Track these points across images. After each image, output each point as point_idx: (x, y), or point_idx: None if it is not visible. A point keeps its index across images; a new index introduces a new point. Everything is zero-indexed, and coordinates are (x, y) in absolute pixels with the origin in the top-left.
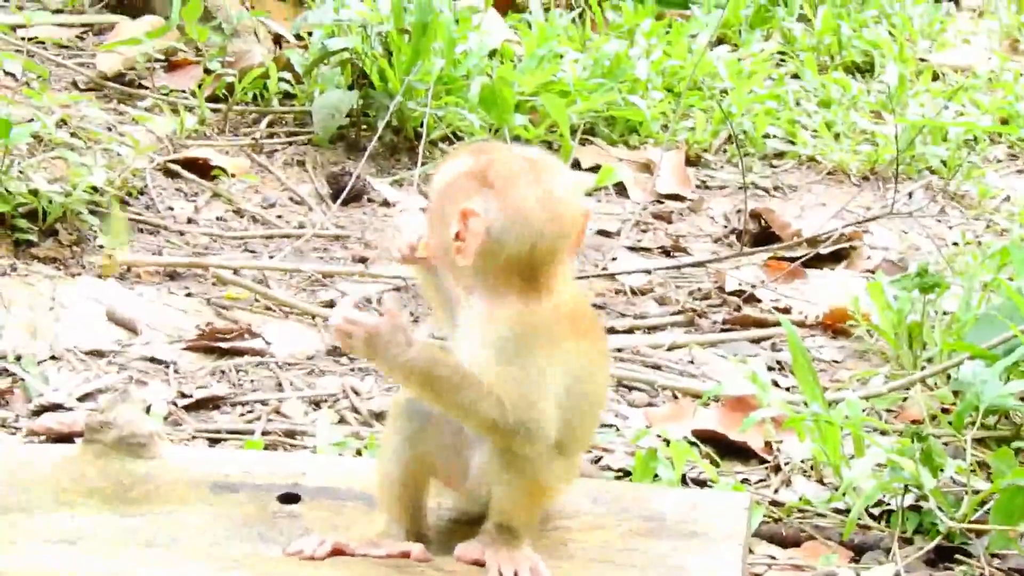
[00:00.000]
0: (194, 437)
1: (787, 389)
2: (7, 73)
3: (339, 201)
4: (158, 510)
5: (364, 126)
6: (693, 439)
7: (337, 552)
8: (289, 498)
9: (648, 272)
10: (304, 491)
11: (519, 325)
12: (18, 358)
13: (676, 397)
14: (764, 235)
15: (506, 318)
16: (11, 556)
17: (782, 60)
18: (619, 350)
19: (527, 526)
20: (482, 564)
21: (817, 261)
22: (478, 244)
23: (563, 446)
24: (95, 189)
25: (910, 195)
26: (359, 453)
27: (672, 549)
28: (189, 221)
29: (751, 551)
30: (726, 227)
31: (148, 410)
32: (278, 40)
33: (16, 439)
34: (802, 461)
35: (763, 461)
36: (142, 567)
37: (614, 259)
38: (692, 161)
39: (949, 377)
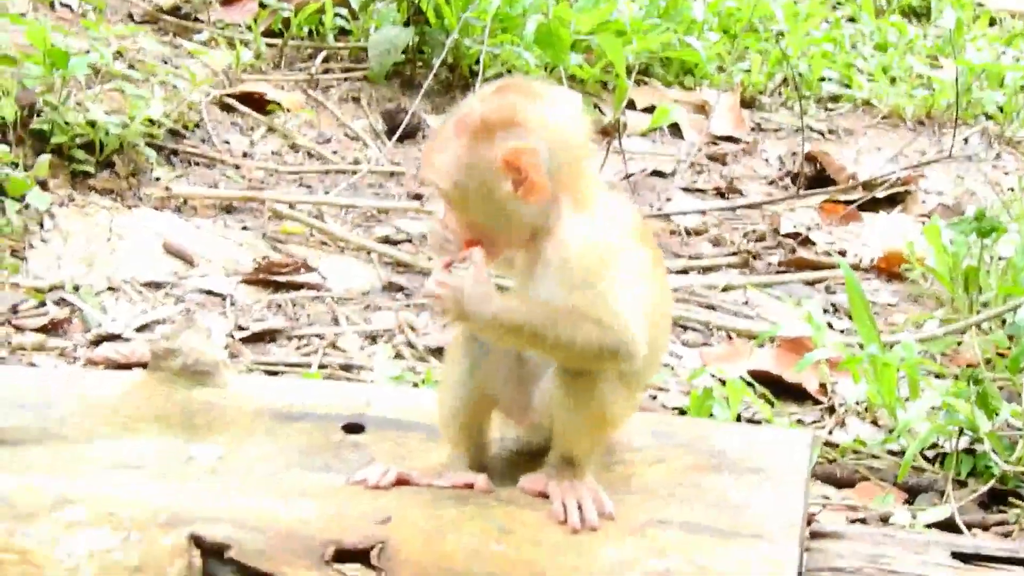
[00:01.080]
0: (251, 370)
1: (841, 332)
2: (64, 4)
3: (394, 138)
4: (222, 438)
5: (419, 63)
6: (748, 379)
7: (401, 482)
8: (353, 428)
9: (703, 213)
10: (368, 421)
11: (587, 244)
12: (76, 288)
13: (731, 337)
14: (819, 178)
15: (572, 241)
16: (77, 482)
17: (838, 3)
18: (674, 290)
19: (589, 458)
20: (546, 496)
21: (872, 205)
22: (541, 174)
23: (633, 376)
24: (152, 121)
25: (966, 140)
26: (416, 386)
27: (734, 485)
28: (245, 155)
29: None
30: (781, 169)
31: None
32: None
33: (74, 368)
34: (857, 403)
35: (817, 402)
36: (206, 495)
37: (668, 200)
38: (747, 103)
39: (1004, 321)
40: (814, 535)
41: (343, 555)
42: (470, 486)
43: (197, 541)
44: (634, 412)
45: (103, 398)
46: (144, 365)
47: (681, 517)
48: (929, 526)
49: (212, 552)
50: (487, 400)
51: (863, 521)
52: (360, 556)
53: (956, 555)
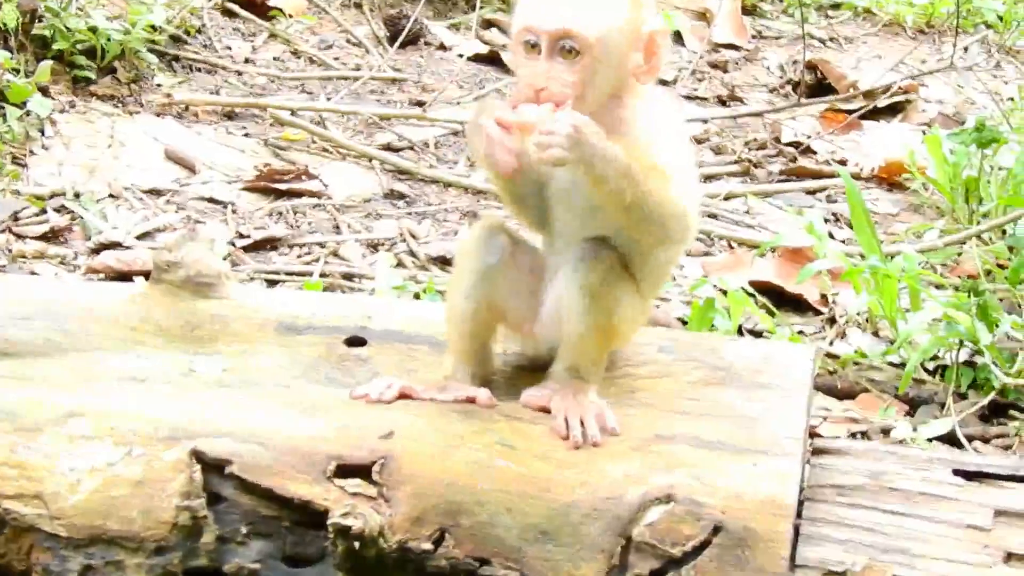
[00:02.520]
0: (252, 278)
1: (842, 242)
2: None
3: (396, 44)
4: (226, 350)
5: None
6: (750, 290)
7: (404, 396)
8: (356, 341)
9: (704, 121)
10: (371, 335)
11: (668, 121)
12: (77, 196)
13: (732, 247)
14: (820, 86)
15: (654, 118)
16: (82, 394)
17: None
18: None
19: (595, 370)
20: (548, 411)
21: (873, 114)
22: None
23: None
24: (153, 27)
25: (966, 49)
26: (417, 297)
27: (740, 398)
28: (246, 61)
29: None
30: (782, 77)
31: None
32: None
33: (75, 276)
34: (858, 314)
35: (818, 313)
36: (211, 406)
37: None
38: (748, 10)
39: (1005, 232)
40: (817, 451)
41: (345, 470)
42: (472, 400)
43: (198, 456)
44: (643, 325)
45: (107, 310)
46: (145, 274)
47: (687, 432)
48: (930, 439)
49: (213, 467)
50: (495, 310)
51: (864, 434)
52: (362, 471)
53: (958, 472)
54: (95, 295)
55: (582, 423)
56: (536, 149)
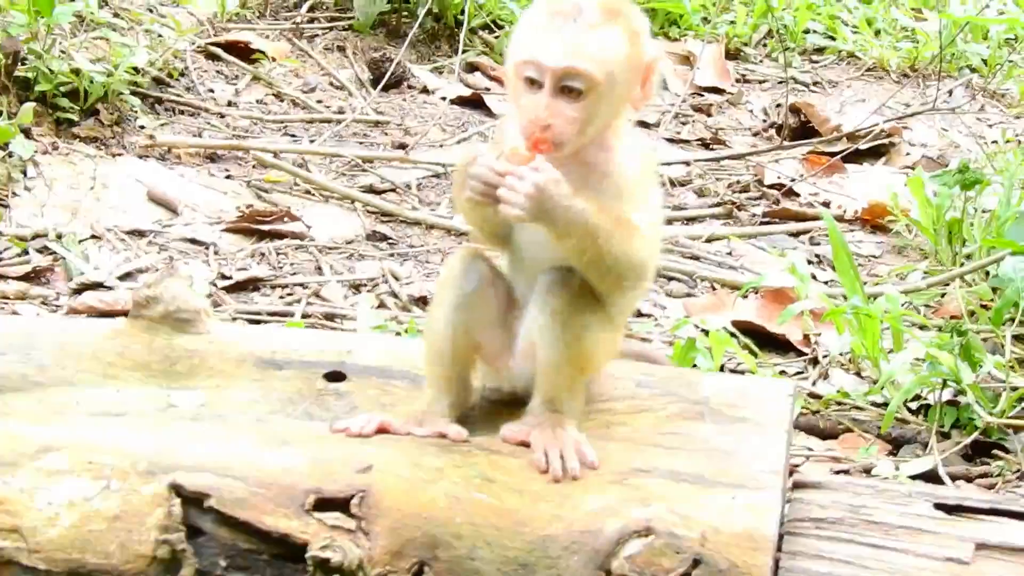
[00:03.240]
0: (235, 318)
1: (825, 283)
2: None
3: (379, 87)
4: (204, 385)
5: (405, 12)
6: (732, 330)
7: (382, 430)
8: (335, 376)
9: (687, 164)
10: (350, 369)
11: (643, 162)
12: (59, 236)
13: (714, 288)
14: (803, 130)
15: (632, 157)
16: (59, 428)
17: None
18: None
19: (573, 403)
20: (527, 445)
21: (856, 156)
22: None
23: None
24: (136, 70)
25: (950, 93)
26: (399, 336)
27: (718, 433)
28: (229, 104)
29: None
30: (765, 121)
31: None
32: None
33: (57, 317)
34: (840, 354)
35: (801, 353)
36: (188, 442)
37: (653, 150)
38: (732, 55)
39: (988, 274)
40: (796, 485)
41: (324, 504)
42: (443, 436)
43: (177, 490)
44: (615, 355)
45: (85, 345)
46: (127, 314)
47: (664, 465)
48: (913, 478)
49: (192, 500)
50: (471, 343)
51: (846, 472)
52: (341, 505)
53: (939, 506)
54: (73, 331)
55: (561, 456)
56: (502, 200)
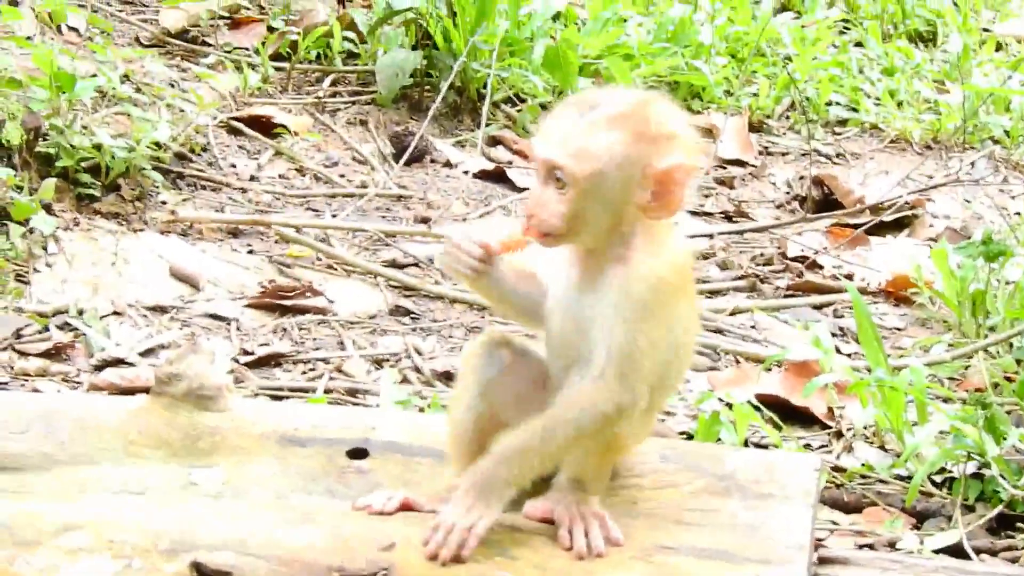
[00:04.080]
0: (257, 394)
1: (849, 356)
2: (71, 28)
3: (402, 161)
4: (226, 462)
5: (427, 86)
6: (756, 403)
7: (405, 507)
8: (358, 453)
9: (711, 237)
10: (373, 446)
11: (656, 280)
12: (80, 312)
13: (738, 362)
14: (827, 202)
15: (643, 274)
16: (79, 506)
17: (846, 27)
18: None
19: (598, 481)
20: (551, 521)
21: (880, 228)
22: (684, 196)
23: (649, 402)
24: (158, 145)
25: (973, 164)
26: (422, 412)
27: (743, 509)
28: (252, 179)
29: None
30: (788, 193)
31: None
32: None
33: (78, 394)
34: (864, 427)
35: (825, 427)
36: (210, 520)
37: (676, 223)
38: (755, 127)
39: (1012, 346)
40: (822, 560)
41: None
42: None
43: (199, 568)
44: (647, 437)
45: (106, 423)
46: (148, 390)
47: (689, 542)
48: (937, 551)
49: None
50: (497, 423)
51: (871, 547)
52: None
53: None
54: (94, 409)
55: (586, 533)
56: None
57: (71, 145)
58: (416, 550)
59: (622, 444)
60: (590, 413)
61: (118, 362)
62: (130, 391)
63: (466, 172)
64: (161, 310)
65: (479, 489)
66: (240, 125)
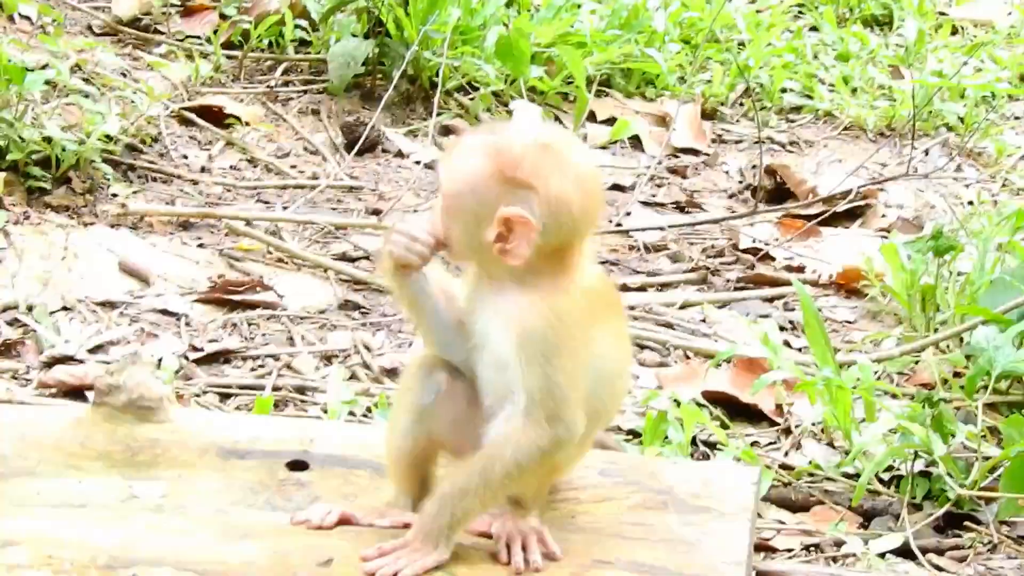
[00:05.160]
0: (205, 392)
1: (799, 350)
2: (23, 16)
3: (353, 151)
4: (166, 475)
5: (379, 75)
6: (703, 401)
7: (344, 521)
8: (298, 465)
9: (662, 229)
10: (313, 458)
11: (555, 316)
12: (30, 308)
13: (688, 357)
14: (779, 191)
15: (541, 311)
16: (19, 520)
17: (800, 12)
18: (631, 308)
19: (536, 498)
20: (489, 536)
21: (832, 218)
22: (524, 249)
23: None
24: (109, 137)
25: (927, 152)
26: (369, 411)
27: (681, 523)
28: (203, 170)
29: (759, 515)
30: (741, 182)
31: (159, 364)
32: None
33: (27, 391)
34: (813, 424)
35: (773, 423)
36: (150, 533)
37: (628, 214)
38: (708, 114)
39: (962, 341)
40: (760, 575)
41: None
42: (407, 526)
43: None
44: (585, 453)
45: (46, 435)
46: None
47: (627, 556)
48: (884, 552)
49: None
50: (435, 444)
51: (817, 547)
52: None
53: None
54: (35, 419)
55: (523, 548)
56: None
57: (20, 138)
58: (354, 566)
59: (560, 467)
60: (526, 450)
61: (67, 359)
62: (78, 389)
63: (418, 162)
64: (111, 305)
65: (424, 535)
66: (191, 115)
